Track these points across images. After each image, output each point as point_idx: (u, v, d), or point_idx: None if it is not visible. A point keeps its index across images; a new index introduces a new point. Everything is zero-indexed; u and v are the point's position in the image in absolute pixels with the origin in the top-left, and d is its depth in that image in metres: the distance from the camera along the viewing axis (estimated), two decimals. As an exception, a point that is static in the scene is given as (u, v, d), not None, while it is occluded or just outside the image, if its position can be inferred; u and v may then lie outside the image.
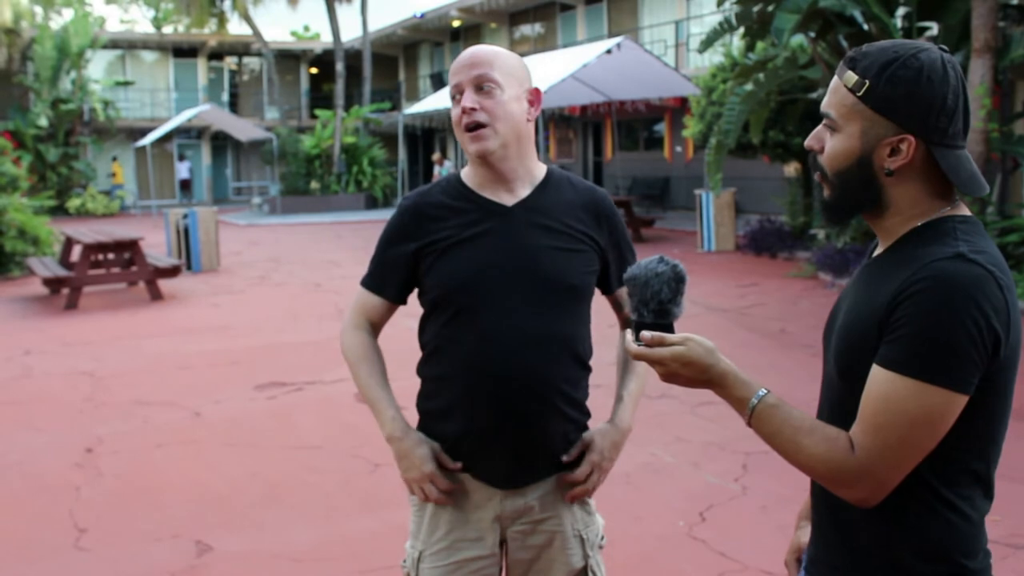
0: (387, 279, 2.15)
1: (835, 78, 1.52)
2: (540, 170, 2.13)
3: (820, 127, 1.55)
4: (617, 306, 2.24)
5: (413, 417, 2.18)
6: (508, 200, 2.07)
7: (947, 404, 1.37)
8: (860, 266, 1.64)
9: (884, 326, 1.41)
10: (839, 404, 1.52)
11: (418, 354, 2.17)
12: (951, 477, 1.45)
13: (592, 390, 2.19)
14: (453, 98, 2.04)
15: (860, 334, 1.46)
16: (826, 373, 1.62)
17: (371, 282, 2.18)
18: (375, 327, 2.21)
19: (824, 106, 1.52)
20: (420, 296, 2.14)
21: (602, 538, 2.19)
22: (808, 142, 1.57)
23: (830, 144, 1.51)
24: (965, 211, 1.50)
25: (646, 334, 1.51)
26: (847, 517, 1.52)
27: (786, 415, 1.46)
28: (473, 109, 1.98)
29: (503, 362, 1.99)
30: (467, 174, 2.12)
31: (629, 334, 1.55)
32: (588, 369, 2.16)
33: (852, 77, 1.47)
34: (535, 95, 2.08)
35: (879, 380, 1.40)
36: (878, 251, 1.57)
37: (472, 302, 2.01)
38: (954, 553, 1.46)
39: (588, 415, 2.17)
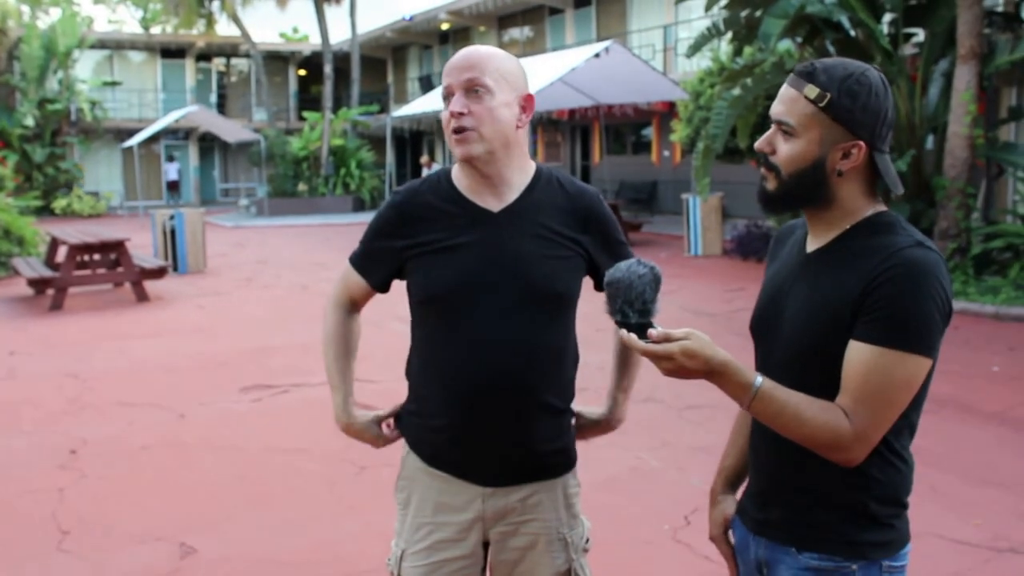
0: (373, 267, 2.18)
1: (788, 89, 1.70)
2: (529, 172, 2.10)
3: (772, 132, 1.72)
4: None
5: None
6: (494, 205, 2.05)
7: (923, 368, 1.61)
8: (787, 259, 1.83)
9: (859, 308, 1.61)
10: (804, 384, 1.66)
11: (403, 356, 2.18)
12: (899, 431, 1.69)
13: (578, 393, 2.20)
14: (445, 99, 2.02)
15: (829, 318, 1.65)
16: (774, 360, 1.77)
17: (358, 263, 2.20)
18: (356, 304, 2.26)
19: (779, 114, 1.70)
20: (409, 296, 2.13)
21: (587, 541, 2.19)
22: (759, 145, 1.74)
23: (787, 148, 1.69)
24: (885, 207, 1.73)
25: (654, 332, 1.59)
26: (817, 478, 1.71)
27: (785, 395, 1.62)
28: (461, 113, 1.96)
29: (486, 370, 2.00)
30: (456, 175, 2.11)
31: (629, 333, 1.62)
32: (573, 375, 2.16)
33: (814, 89, 1.65)
34: (527, 101, 2.05)
35: (863, 354, 1.60)
36: (815, 244, 1.76)
37: (457, 309, 2.01)
38: (900, 495, 1.73)
39: (573, 420, 2.18)
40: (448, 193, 2.08)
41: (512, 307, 2.00)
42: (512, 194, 2.07)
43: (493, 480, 2.07)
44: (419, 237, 2.05)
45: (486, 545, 2.12)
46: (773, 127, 1.71)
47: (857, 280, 1.62)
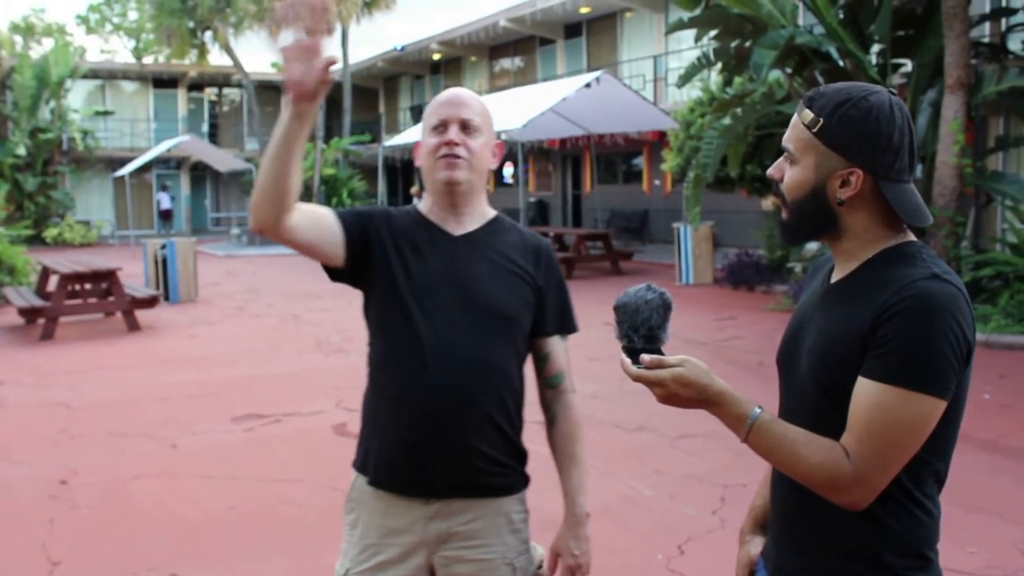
0: (350, 218, 2.17)
1: (795, 115, 1.66)
2: (490, 212, 2.29)
3: (781, 159, 1.69)
4: (539, 358, 2.27)
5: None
6: (456, 231, 2.22)
7: (933, 410, 1.50)
8: (814, 290, 1.77)
9: (868, 342, 1.52)
10: (820, 419, 1.60)
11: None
12: (920, 479, 1.58)
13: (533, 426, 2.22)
14: (434, 128, 2.18)
15: (842, 352, 1.56)
16: (793, 393, 1.71)
17: (339, 211, 2.17)
18: (300, 214, 2.03)
19: (784, 140, 1.67)
20: (365, 312, 2.24)
21: (540, 567, 2.24)
22: (770, 172, 1.71)
23: (789, 174, 1.66)
24: (913, 238, 1.64)
25: (646, 357, 1.57)
26: (829, 523, 1.61)
27: (783, 429, 1.56)
28: (457, 144, 2.15)
29: (432, 381, 2.08)
30: (422, 205, 2.27)
31: (625, 358, 1.62)
32: (519, 402, 2.22)
33: (809, 115, 1.61)
34: (499, 148, 2.28)
35: (869, 391, 1.51)
36: (838, 275, 1.69)
37: (409, 322, 2.12)
38: (923, 547, 1.60)
39: (520, 445, 2.22)
40: (416, 218, 2.25)
41: (460, 322, 2.12)
42: (473, 224, 2.24)
43: (433, 492, 2.12)
44: (383, 249, 2.16)
45: (432, 571, 2.17)
46: (784, 154, 1.69)
47: (867, 313, 1.53)
